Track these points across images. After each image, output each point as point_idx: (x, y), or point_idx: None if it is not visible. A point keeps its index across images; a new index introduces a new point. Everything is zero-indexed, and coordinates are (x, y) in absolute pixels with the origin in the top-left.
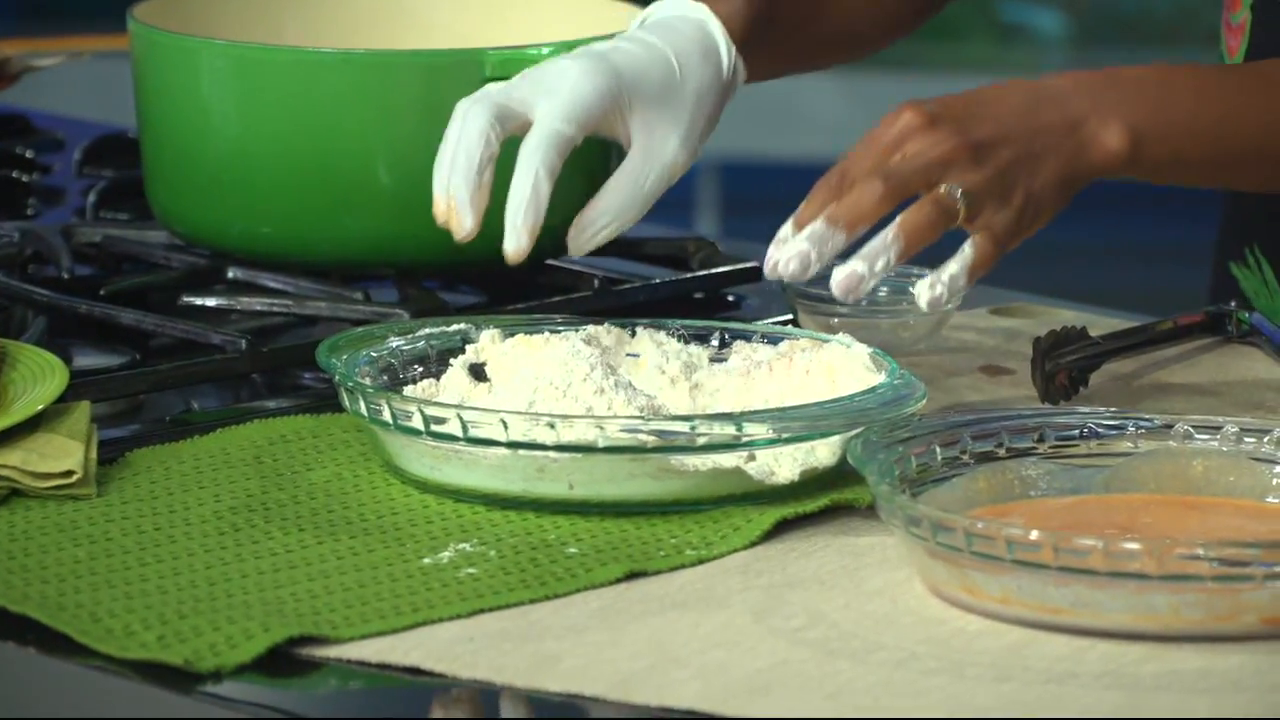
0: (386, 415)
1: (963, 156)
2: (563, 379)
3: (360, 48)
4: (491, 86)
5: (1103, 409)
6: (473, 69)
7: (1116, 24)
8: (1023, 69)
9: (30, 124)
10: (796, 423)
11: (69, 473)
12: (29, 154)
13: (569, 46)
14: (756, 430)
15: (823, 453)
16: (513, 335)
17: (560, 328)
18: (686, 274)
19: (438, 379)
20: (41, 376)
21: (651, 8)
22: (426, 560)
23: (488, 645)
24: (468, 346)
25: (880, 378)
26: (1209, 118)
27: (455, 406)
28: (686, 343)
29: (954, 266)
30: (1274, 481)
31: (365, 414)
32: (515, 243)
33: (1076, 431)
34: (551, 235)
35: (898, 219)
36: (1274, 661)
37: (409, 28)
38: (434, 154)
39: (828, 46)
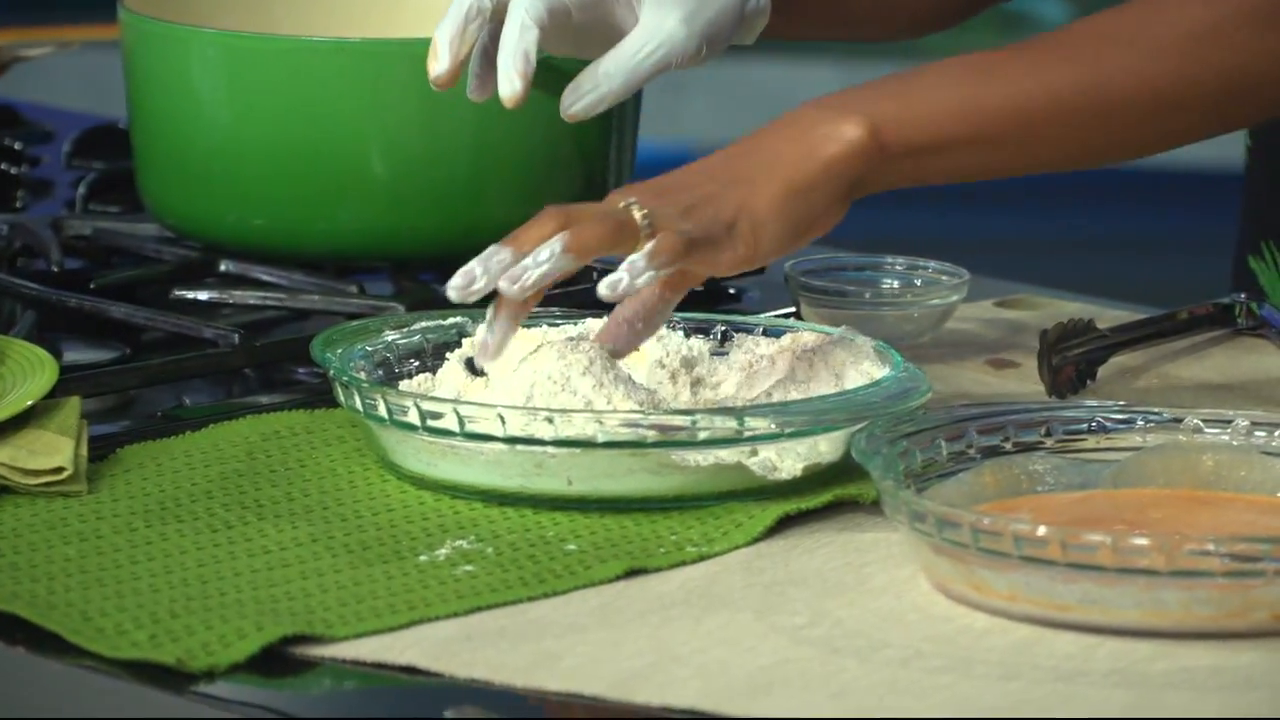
0: (382, 410)
1: (650, 189)
2: (560, 373)
3: (354, 36)
4: None
5: (1111, 403)
6: None
7: (1114, 5)
8: None
9: (19, 115)
10: (799, 417)
11: (59, 469)
12: (17, 146)
13: None
14: (759, 424)
15: (826, 447)
16: None
17: (558, 321)
18: None
19: (433, 373)
20: (31, 371)
21: None
22: (423, 558)
23: (485, 644)
24: (464, 340)
25: (884, 371)
26: (955, 95)
27: (452, 401)
28: (687, 336)
29: (635, 254)
30: None
31: (360, 409)
32: (510, 88)
33: (1084, 425)
34: None
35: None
36: None
37: (403, 16)
38: (430, 144)
39: (867, 14)
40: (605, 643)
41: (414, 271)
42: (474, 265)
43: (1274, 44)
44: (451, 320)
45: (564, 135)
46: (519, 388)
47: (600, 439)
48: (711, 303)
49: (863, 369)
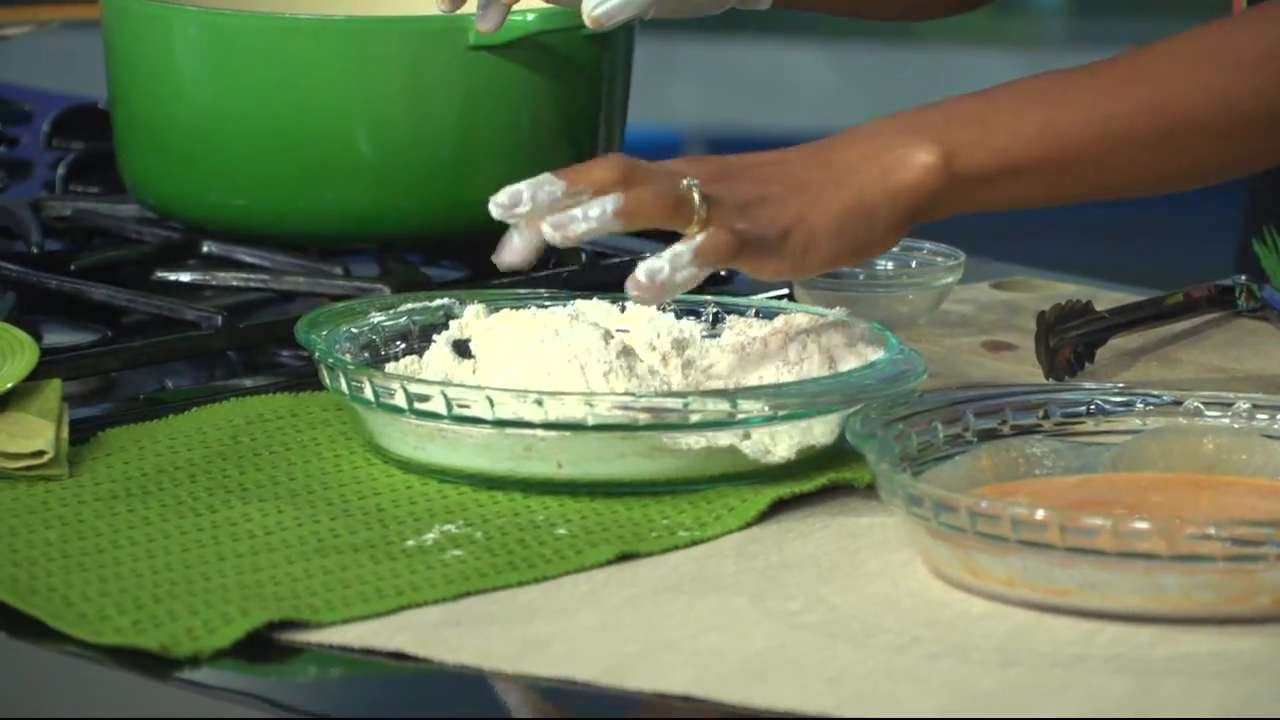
0: (368, 393)
1: (707, 179)
2: (582, 354)
3: (338, 14)
4: None
5: (1109, 385)
6: (456, 36)
7: None
8: (1021, 41)
9: None
10: (793, 399)
11: (40, 453)
12: None
13: (555, 13)
14: (752, 407)
15: (820, 430)
16: (497, 310)
17: (547, 302)
18: None
19: (420, 356)
20: (11, 354)
21: None
22: (410, 542)
23: (474, 629)
24: (451, 322)
25: (880, 353)
26: (1033, 118)
27: (439, 384)
28: (679, 318)
29: (680, 244)
30: None
31: (346, 392)
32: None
33: (1083, 408)
34: None
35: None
36: None
37: None
38: (416, 123)
39: None
40: (596, 628)
41: (400, 252)
42: (523, 188)
43: None
44: (438, 302)
45: (551, 115)
46: (531, 370)
47: (591, 422)
48: (703, 284)
49: (857, 351)
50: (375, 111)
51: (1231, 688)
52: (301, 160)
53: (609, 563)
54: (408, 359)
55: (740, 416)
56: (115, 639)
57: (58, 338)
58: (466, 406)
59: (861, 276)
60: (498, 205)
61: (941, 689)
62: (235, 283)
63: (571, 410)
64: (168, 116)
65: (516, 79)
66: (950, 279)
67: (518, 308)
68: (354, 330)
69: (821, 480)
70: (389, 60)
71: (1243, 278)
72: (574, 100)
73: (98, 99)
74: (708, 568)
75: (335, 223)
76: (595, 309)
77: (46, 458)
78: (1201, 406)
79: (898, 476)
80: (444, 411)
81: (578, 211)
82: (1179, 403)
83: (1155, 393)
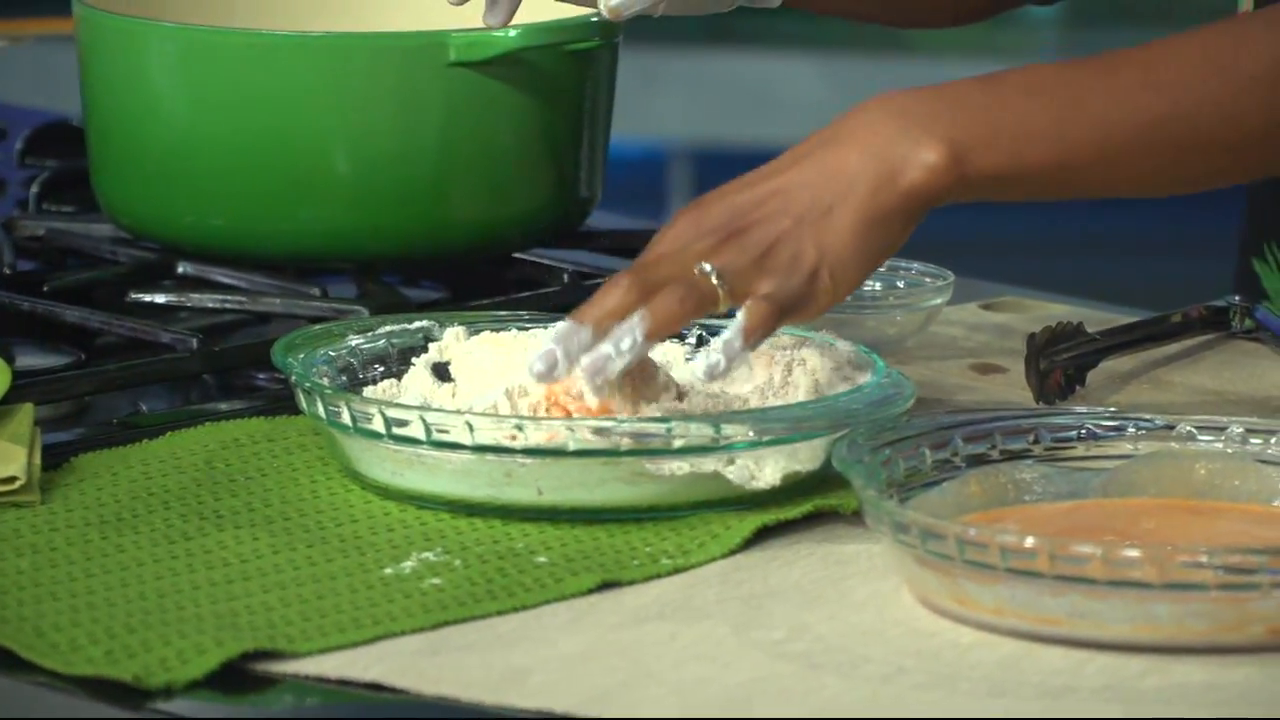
0: (346, 417)
1: (716, 243)
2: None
3: (316, 30)
4: None
5: (1101, 409)
6: (436, 52)
7: (1110, 4)
8: (1012, 52)
9: None
10: (778, 424)
11: (11, 479)
12: None
13: (537, 29)
14: (736, 432)
15: (806, 456)
16: (477, 333)
17: (527, 324)
18: None
19: (399, 379)
20: None
21: None
22: (388, 570)
23: (452, 659)
24: (430, 345)
25: (866, 377)
26: (1041, 123)
27: (418, 408)
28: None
29: (728, 332)
30: None
31: (323, 416)
32: None
33: (1073, 433)
34: (519, 226)
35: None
36: None
37: (368, 9)
38: (395, 141)
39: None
40: (577, 658)
41: (379, 273)
42: (555, 349)
43: None
44: (417, 324)
45: (533, 133)
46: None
47: (572, 447)
48: None
49: (844, 375)
50: (354, 129)
51: (1225, 718)
52: (278, 179)
53: (590, 591)
54: (386, 382)
55: (724, 442)
56: (87, 669)
57: (30, 360)
58: (445, 431)
59: (848, 298)
60: (537, 375)
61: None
62: (211, 304)
63: (552, 435)
64: (143, 134)
65: (498, 96)
66: (939, 300)
67: (498, 330)
68: (331, 353)
69: (807, 507)
70: (368, 77)
71: (1236, 298)
72: (556, 118)
73: (72, 116)
74: (691, 596)
75: (313, 243)
76: None
77: (18, 484)
78: (1194, 431)
79: (884, 503)
80: (422, 437)
81: (609, 350)
82: (1171, 427)
83: (1147, 417)
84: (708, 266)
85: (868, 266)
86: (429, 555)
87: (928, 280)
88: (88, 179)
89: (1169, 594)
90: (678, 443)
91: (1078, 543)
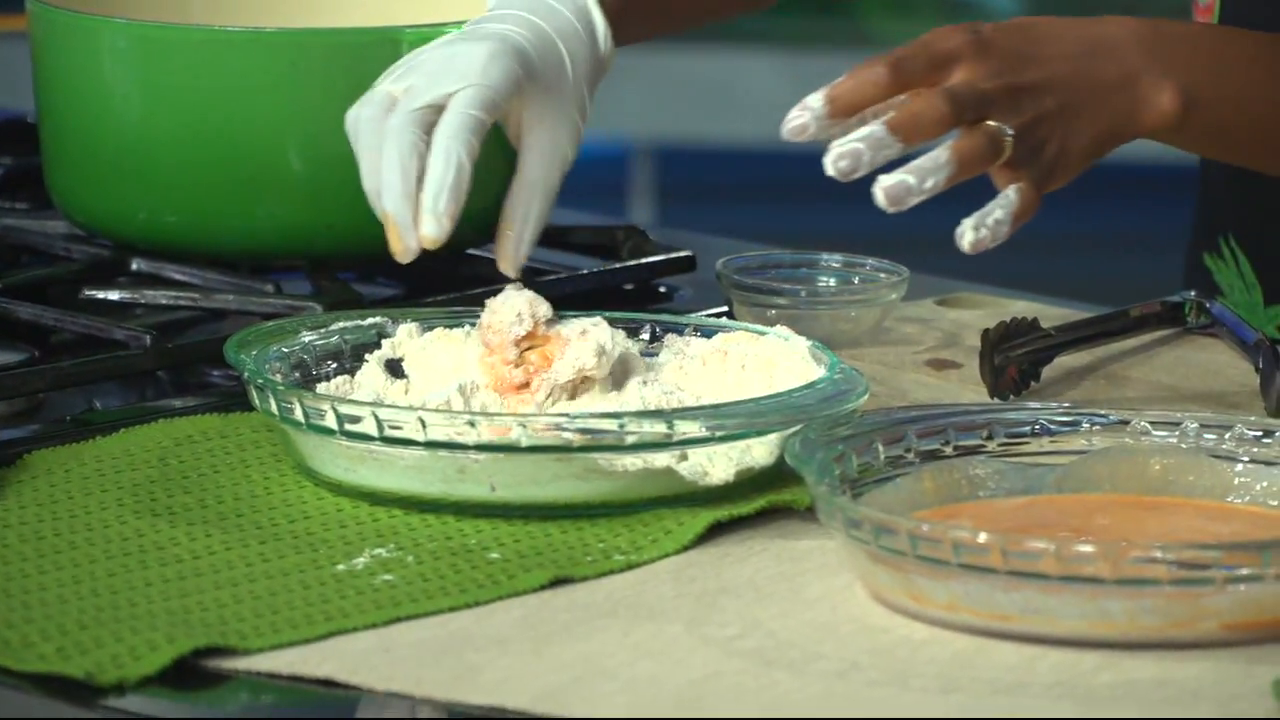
0: (298, 414)
1: (1008, 97)
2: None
3: (270, 26)
4: (390, 86)
5: (1055, 404)
6: (390, 48)
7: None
8: None
9: None
10: (731, 420)
11: None
12: None
13: None
14: (689, 428)
15: (759, 452)
16: (431, 329)
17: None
18: (616, 264)
19: (352, 375)
20: None
21: None
22: (340, 566)
23: (405, 656)
24: (384, 341)
25: (820, 372)
26: (1263, 88)
27: (371, 405)
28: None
29: (999, 212)
30: (1236, 480)
31: (276, 413)
32: (436, 228)
33: (1028, 428)
34: (472, 222)
35: (951, 143)
36: (1234, 670)
37: (321, 5)
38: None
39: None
40: (529, 655)
41: (332, 270)
42: (862, 149)
43: None
44: (370, 321)
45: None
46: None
47: (524, 443)
48: (641, 301)
49: (797, 370)
50: (307, 126)
51: (1176, 715)
52: (232, 176)
53: (543, 587)
54: (339, 379)
55: (677, 438)
56: (39, 666)
57: None
58: (398, 428)
59: (803, 294)
60: (837, 170)
61: (881, 717)
62: (164, 301)
63: (505, 432)
64: (96, 131)
65: None
66: (894, 295)
67: (452, 326)
68: (284, 350)
69: (760, 503)
70: (321, 73)
71: (1192, 293)
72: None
73: (26, 113)
74: (644, 593)
75: (266, 239)
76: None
77: None
78: (1149, 426)
79: (837, 499)
80: (375, 433)
81: (912, 181)
82: (1126, 422)
83: (1102, 412)
84: (1009, 130)
85: (1076, 175)
86: (381, 551)
87: (883, 276)
88: (41, 176)
89: (1122, 590)
90: (630, 439)
91: (1031, 538)
